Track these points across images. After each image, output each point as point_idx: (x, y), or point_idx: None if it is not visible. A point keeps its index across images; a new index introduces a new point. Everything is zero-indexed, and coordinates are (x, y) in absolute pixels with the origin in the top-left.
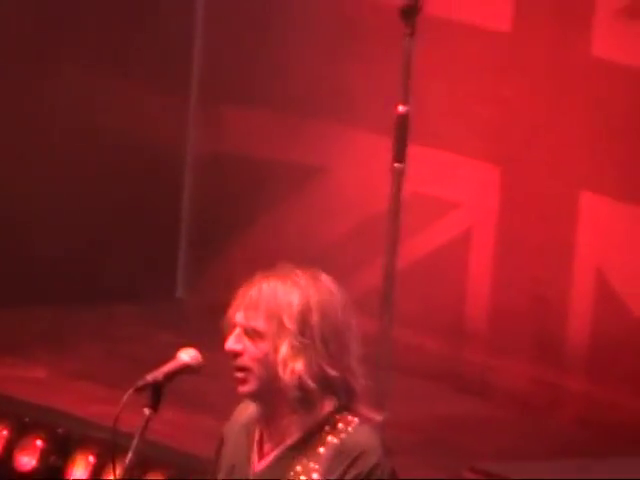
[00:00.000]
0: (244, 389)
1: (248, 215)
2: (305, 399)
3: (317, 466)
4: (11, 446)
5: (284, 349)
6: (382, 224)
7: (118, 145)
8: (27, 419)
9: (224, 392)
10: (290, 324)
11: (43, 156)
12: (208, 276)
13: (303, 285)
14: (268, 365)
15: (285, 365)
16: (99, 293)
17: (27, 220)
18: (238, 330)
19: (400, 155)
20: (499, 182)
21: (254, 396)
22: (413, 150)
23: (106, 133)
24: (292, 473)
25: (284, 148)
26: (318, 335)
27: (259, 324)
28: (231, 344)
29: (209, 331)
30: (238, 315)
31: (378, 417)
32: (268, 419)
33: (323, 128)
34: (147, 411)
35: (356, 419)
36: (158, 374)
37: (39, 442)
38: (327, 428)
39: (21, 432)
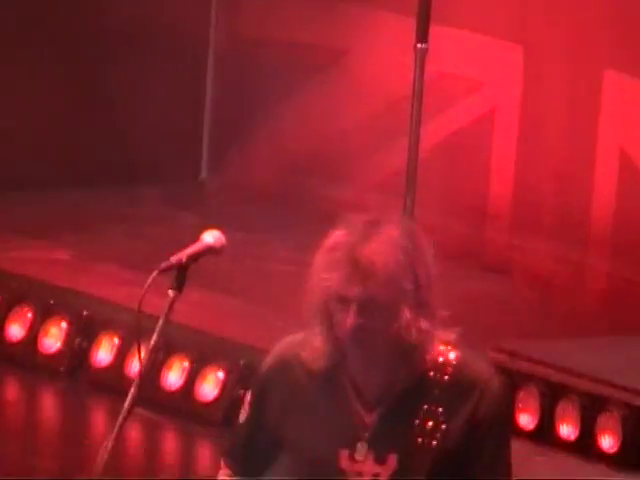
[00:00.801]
0: (366, 355)
1: (271, 98)
2: (420, 347)
3: (440, 409)
4: (36, 328)
5: (407, 313)
6: (405, 106)
7: (143, 32)
8: (51, 301)
9: (247, 273)
10: (407, 284)
11: (70, 40)
12: (231, 158)
13: (397, 238)
14: (391, 331)
15: (409, 328)
16: (123, 175)
17: (50, 103)
18: (355, 306)
19: (423, 35)
20: (522, 62)
21: (373, 356)
22: (435, 30)
23: (134, 21)
24: (417, 421)
25: (306, 31)
26: (426, 285)
27: (379, 294)
28: (353, 321)
29: (232, 213)
30: (354, 289)
31: (453, 335)
32: (370, 369)
33: (345, 10)
34: (171, 293)
35: (449, 347)
36: (182, 255)
37: (64, 324)
38: (430, 365)
39: (45, 314)
